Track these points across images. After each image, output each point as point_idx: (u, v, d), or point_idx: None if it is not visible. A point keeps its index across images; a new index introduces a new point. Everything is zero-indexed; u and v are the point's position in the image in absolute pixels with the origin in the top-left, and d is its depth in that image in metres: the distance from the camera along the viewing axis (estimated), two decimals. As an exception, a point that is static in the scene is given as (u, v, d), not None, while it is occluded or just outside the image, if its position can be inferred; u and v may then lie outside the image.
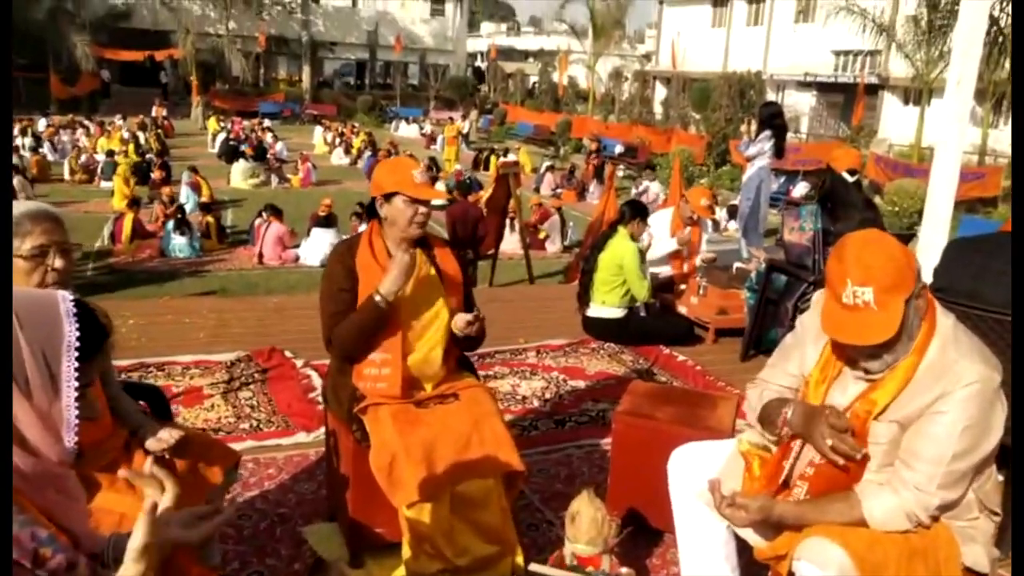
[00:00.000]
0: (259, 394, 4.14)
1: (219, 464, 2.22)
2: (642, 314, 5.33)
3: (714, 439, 2.64)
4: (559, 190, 18.10)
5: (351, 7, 39.65)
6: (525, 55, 42.58)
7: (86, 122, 23.28)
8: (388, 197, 2.58)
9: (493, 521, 2.50)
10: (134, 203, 12.32)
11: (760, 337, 4.99)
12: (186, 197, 13.98)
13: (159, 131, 23.00)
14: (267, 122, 27.01)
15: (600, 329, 5.20)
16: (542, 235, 13.46)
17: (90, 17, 32.22)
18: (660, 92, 32.84)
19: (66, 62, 30.22)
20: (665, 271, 5.84)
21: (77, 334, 1.25)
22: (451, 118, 27.53)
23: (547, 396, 4.30)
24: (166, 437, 2.15)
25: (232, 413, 3.88)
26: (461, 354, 2.86)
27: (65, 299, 1.28)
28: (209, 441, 2.31)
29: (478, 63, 43.61)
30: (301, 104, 33.76)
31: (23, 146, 18.24)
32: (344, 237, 11.27)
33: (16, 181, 14.35)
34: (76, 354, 1.24)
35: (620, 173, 21.42)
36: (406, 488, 2.38)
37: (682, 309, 5.55)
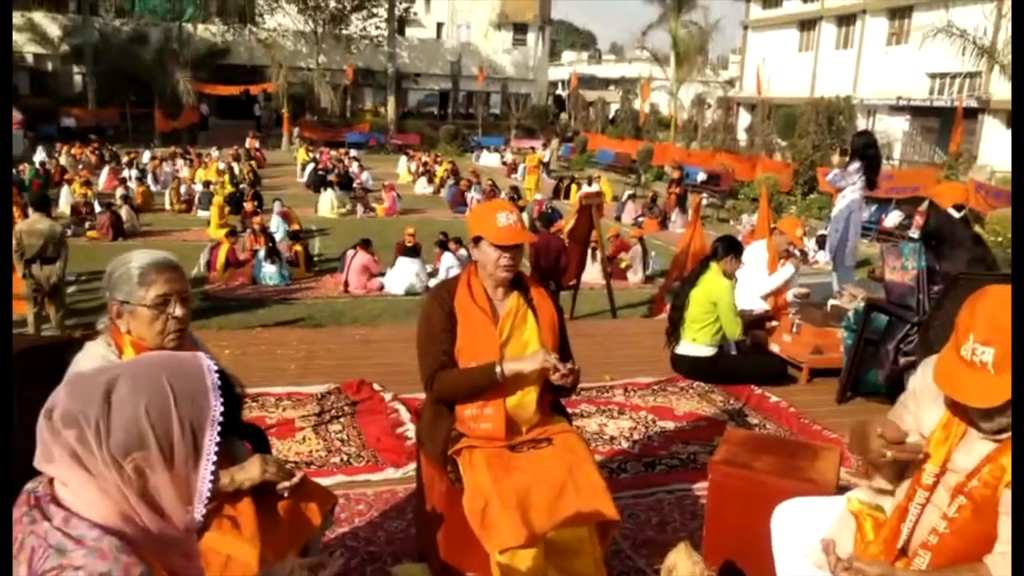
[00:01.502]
0: (349, 427, 4.20)
1: (318, 506, 2.25)
2: (732, 352, 5.19)
3: (816, 491, 2.54)
4: (641, 219, 17.97)
5: (435, 39, 40.72)
6: (606, 83, 42.71)
7: (187, 155, 24.43)
8: (477, 240, 2.61)
9: (586, 571, 2.45)
10: (231, 233, 12.79)
11: (858, 379, 4.78)
12: (276, 226, 14.45)
13: (252, 162, 23.94)
14: (353, 152, 27.81)
15: (689, 367, 5.09)
16: (623, 265, 13.36)
17: (192, 55, 34.03)
18: (744, 119, 32.31)
19: (169, 98, 31.92)
20: (757, 307, 5.69)
21: (221, 409, 1.24)
22: (532, 147, 27.74)
23: (635, 437, 4.22)
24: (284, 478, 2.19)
25: (323, 447, 3.95)
26: (555, 398, 2.83)
27: (211, 371, 1.27)
28: (312, 485, 2.33)
29: (559, 91, 43.94)
30: (386, 134, 34.66)
31: (130, 177, 19.28)
32: (427, 266, 11.49)
33: (124, 211, 15.19)
34: (219, 428, 1.24)
35: (704, 201, 21.14)
36: (499, 534, 2.36)
37: (774, 347, 5.38)
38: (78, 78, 36.10)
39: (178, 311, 2.03)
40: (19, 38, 33.45)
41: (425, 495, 2.83)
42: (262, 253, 12.03)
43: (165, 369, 1.24)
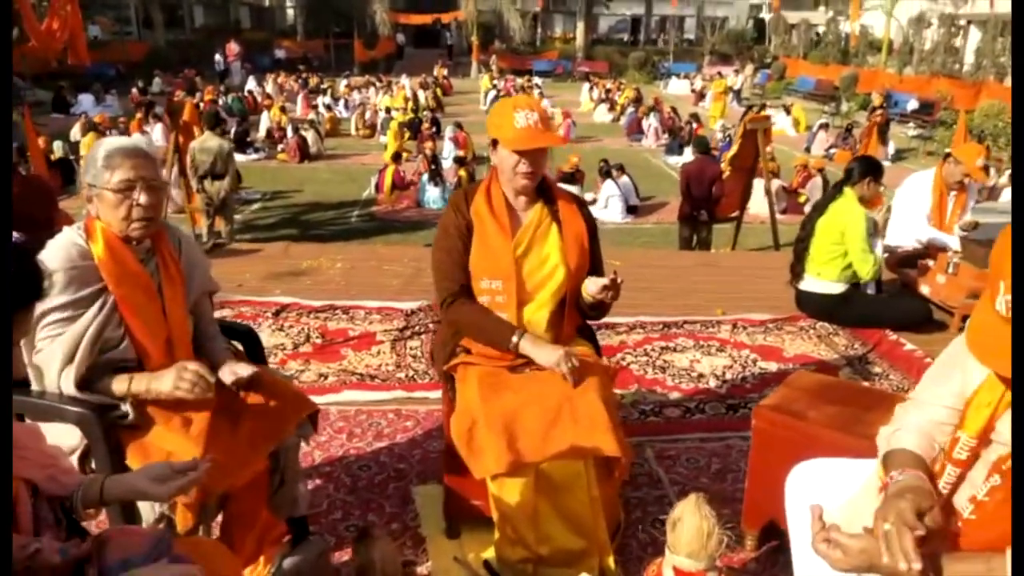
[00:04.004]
0: (426, 344, 4.12)
1: (292, 414, 2.15)
2: (870, 291, 4.53)
3: (874, 452, 2.10)
4: (832, 150, 16.44)
5: (628, -39, 39.07)
6: (815, 2, 39.04)
7: (378, 83, 25.41)
8: (494, 143, 2.34)
9: (581, 511, 2.20)
10: (396, 157, 13.17)
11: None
12: (448, 152, 14.70)
13: (438, 89, 24.45)
14: (536, 80, 27.62)
15: (814, 305, 4.51)
16: (802, 199, 12.31)
17: (391, -15, 35.10)
18: (973, 39, 28.32)
19: (369, 28, 33.23)
20: (907, 243, 4.93)
21: None
22: (719, 73, 26.10)
23: (727, 376, 3.81)
24: (240, 372, 2.11)
25: (393, 362, 3.90)
26: (583, 322, 2.54)
27: None
28: (287, 390, 2.23)
29: (762, 15, 40.80)
30: (573, 61, 34.05)
31: (320, 104, 20.36)
32: (588, 194, 11.23)
33: (310, 135, 16.09)
34: None
35: (910, 132, 18.96)
36: (484, 459, 2.16)
37: (924, 289, 4.65)
38: (291, 12, 38.45)
39: (143, 198, 1.97)
40: (241, -25, 36.12)
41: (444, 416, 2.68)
42: (426, 176, 12.29)
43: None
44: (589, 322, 2.59)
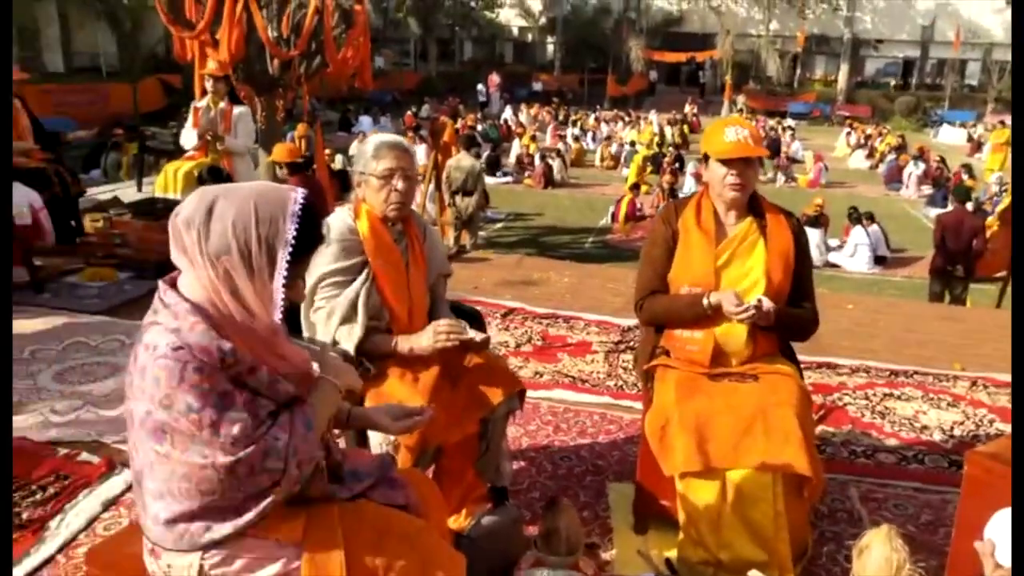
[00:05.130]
0: (639, 360, 4.27)
1: (503, 389, 2.40)
2: None
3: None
4: None
5: (904, 0, 36.41)
6: None
7: (627, 118, 25.93)
8: (706, 159, 2.47)
9: (765, 524, 2.22)
10: (635, 188, 13.44)
11: None
12: (689, 187, 14.75)
13: (685, 126, 24.44)
14: (789, 121, 26.66)
15: (1075, 372, 4.04)
16: (1090, 265, 10.84)
17: (648, 24, 35.67)
18: None
19: (623, 65, 34.05)
20: None
21: (294, 233, 1.46)
22: (1002, 122, 23.54)
23: (956, 432, 3.55)
24: (475, 335, 2.40)
25: (605, 370, 4.08)
26: (784, 344, 2.57)
27: (295, 201, 1.48)
28: (500, 367, 2.49)
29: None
30: (832, 105, 32.41)
31: (568, 135, 21.21)
32: (834, 240, 10.78)
33: (556, 164, 16.87)
34: (291, 249, 1.45)
35: None
36: (674, 456, 2.28)
37: None
38: (550, 47, 40.38)
39: (399, 185, 2.34)
40: (508, 13, 38.49)
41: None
42: (660, 208, 12.42)
43: (255, 194, 1.48)
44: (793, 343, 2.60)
